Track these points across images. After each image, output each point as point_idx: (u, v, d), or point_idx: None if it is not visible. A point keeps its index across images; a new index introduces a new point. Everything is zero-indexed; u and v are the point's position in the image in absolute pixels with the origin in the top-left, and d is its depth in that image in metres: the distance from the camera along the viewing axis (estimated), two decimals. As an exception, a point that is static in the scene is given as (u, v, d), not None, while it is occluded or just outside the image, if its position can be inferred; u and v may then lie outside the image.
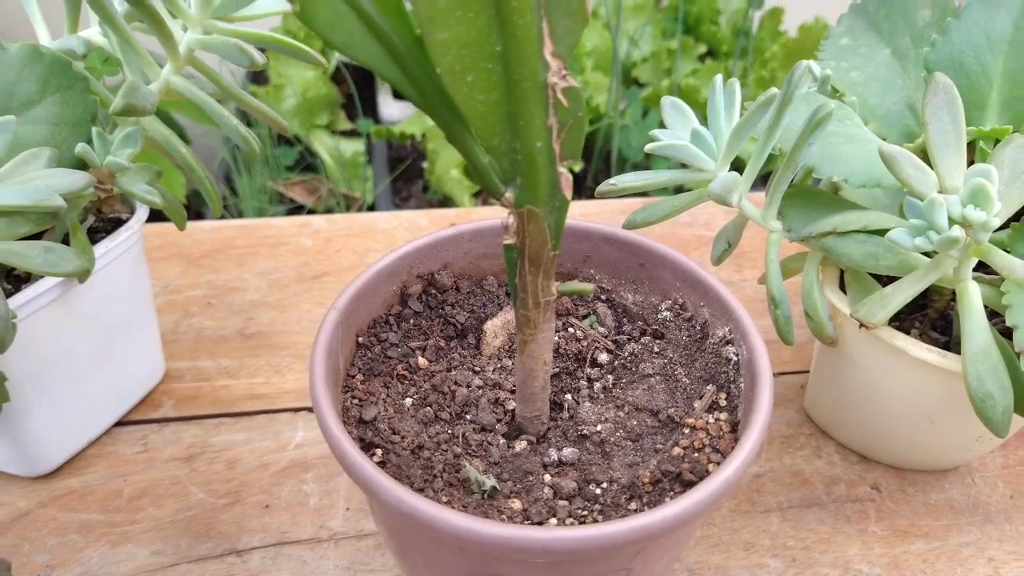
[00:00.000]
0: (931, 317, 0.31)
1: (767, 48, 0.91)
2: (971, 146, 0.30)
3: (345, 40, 0.19)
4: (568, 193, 0.21)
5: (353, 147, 0.92)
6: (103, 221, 0.33)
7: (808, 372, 0.36)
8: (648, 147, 0.28)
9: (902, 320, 0.30)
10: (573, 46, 0.19)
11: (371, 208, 0.87)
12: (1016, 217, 0.29)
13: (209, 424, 0.34)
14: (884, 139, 0.32)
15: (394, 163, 0.90)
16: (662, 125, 0.89)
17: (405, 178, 0.91)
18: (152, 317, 0.35)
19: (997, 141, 0.28)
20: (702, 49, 0.90)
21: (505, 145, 0.20)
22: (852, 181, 0.27)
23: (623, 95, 0.90)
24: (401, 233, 0.47)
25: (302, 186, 0.88)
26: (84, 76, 0.29)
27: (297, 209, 0.85)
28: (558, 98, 0.19)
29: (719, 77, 0.29)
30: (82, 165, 0.29)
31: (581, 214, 0.49)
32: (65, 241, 0.30)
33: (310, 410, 0.35)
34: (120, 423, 0.34)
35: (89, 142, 0.29)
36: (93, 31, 0.36)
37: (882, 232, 0.27)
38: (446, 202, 0.86)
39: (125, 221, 0.32)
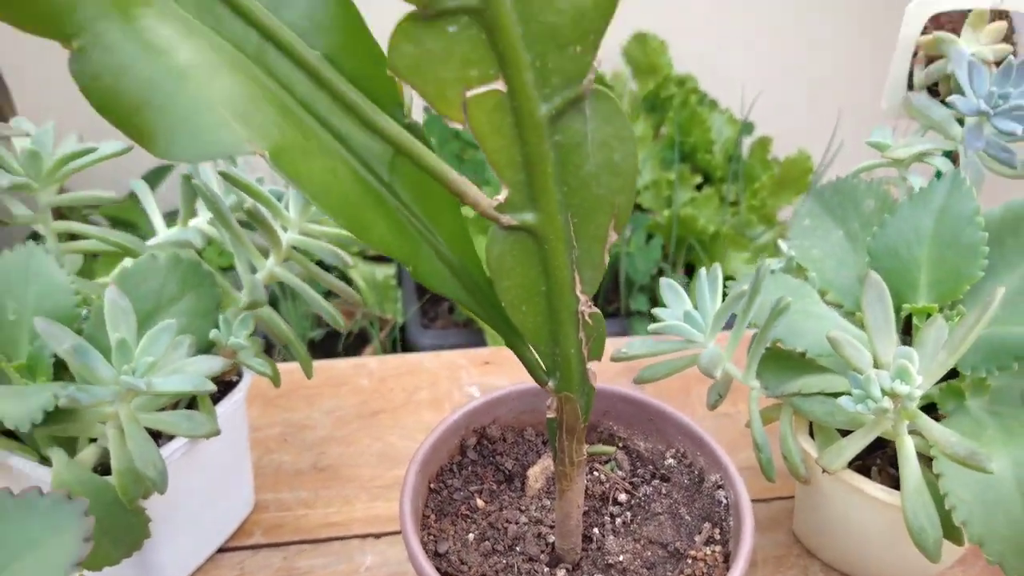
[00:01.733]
0: (889, 455, 0.38)
1: (757, 176, 1.01)
2: (908, 318, 0.37)
3: (438, 285, 0.27)
4: (594, 382, 0.29)
5: (384, 271, 1.01)
6: (217, 382, 0.41)
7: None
8: (651, 327, 0.36)
9: (865, 459, 0.37)
10: (596, 286, 0.27)
11: (403, 329, 0.95)
12: (950, 376, 0.36)
13: (292, 550, 0.41)
14: (840, 306, 0.40)
15: (422, 287, 0.99)
16: (664, 255, 0.98)
17: (433, 300, 1.00)
18: (248, 456, 0.42)
19: (929, 314, 0.36)
20: (698, 179, 1.00)
21: (548, 350, 0.28)
22: (810, 351, 0.35)
23: (629, 221, 0.99)
24: (442, 371, 0.54)
25: (339, 309, 0.96)
26: (211, 273, 0.38)
27: (335, 332, 0.93)
28: (586, 320, 0.27)
29: (703, 271, 0.37)
30: (210, 345, 0.37)
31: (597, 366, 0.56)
32: (190, 405, 0.38)
33: (377, 536, 0.42)
34: (221, 550, 0.41)
35: (216, 327, 0.37)
36: (201, 220, 0.45)
37: (838, 394, 0.34)
38: (469, 323, 0.94)
39: (232, 381, 0.40)
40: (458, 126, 0.23)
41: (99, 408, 0.32)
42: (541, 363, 0.29)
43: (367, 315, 0.94)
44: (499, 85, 0.22)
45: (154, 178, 1.07)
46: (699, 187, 1.00)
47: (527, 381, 0.30)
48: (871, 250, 0.38)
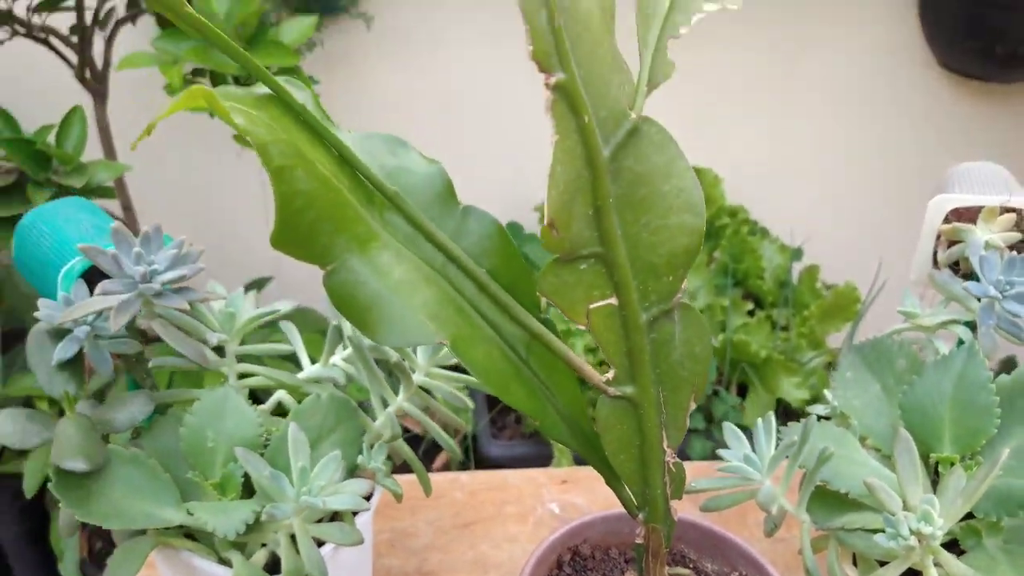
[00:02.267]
0: (923, 582, 0.44)
1: (807, 302, 1.08)
2: (937, 465, 0.44)
3: (557, 435, 0.35)
4: (675, 517, 0.37)
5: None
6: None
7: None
8: (718, 468, 0.43)
9: (903, 584, 0.43)
10: (679, 442, 0.35)
11: (474, 438, 1.03)
12: (971, 515, 0.42)
13: (406, 643, 0.48)
14: (879, 450, 0.47)
15: (492, 398, 1.08)
16: (719, 376, 1.05)
17: (502, 412, 1.08)
18: (370, 560, 0.50)
19: (952, 463, 0.43)
20: (749, 305, 1.08)
21: (640, 489, 0.36)
22: (852, 492, 0.42)
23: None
24: (526, 488, 0.62)
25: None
26: (356, 408, 0.47)
27: (414, 438, 1.02)
28: (670, 467, 0.35)
29: (760, 422, 0.45)
30: (355, 467, 0.46)
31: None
32: (332, 517, 0.46)
33: (477, 635, 0.49)
34: (347, 641, 0.48)
35: (360, 453, 0.45)
36: (337, 358, 0.55)
37: (876, 530, 0.41)
38: (535, 435, 1.02)
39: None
40: (581, 327, 0.32)
41: (279, 520, 0.40)
42: (633, 499, 0.36)
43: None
44: (613, 300, 0.32)
45: (256, 286, 1.19)
46: (751, 312, 1.08)
47: (604, 504, 0.38)
48: (903, 405, 0.46)
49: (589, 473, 0.67)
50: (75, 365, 0.43)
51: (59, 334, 0.43)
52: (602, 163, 0.28)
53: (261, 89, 0.32)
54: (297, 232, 0.29)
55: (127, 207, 1.02)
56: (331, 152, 0.32)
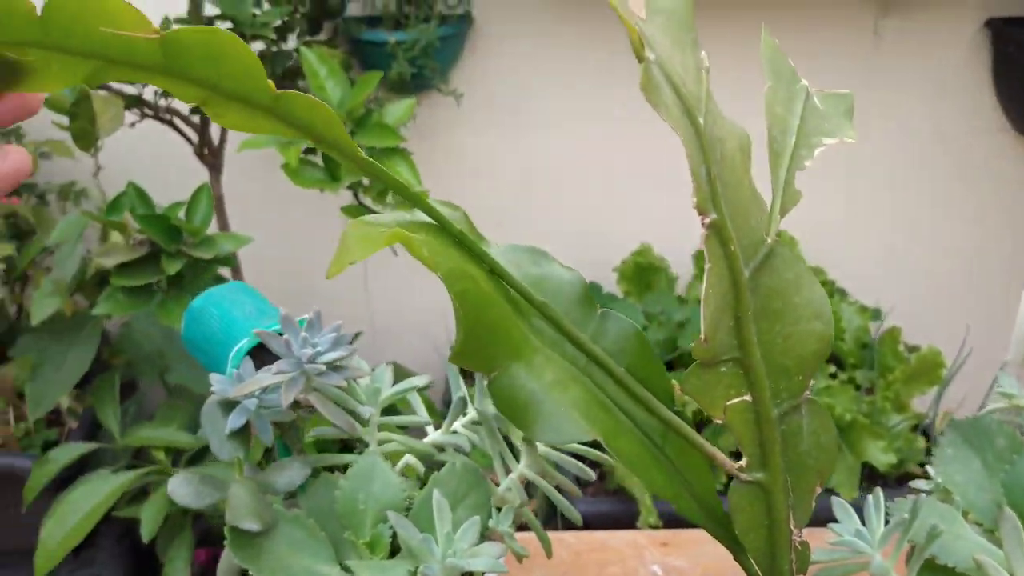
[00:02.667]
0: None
1: (889, 365, 1.09)
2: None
3: (691, 515, 0.39)
4: (796, 591, 0.40)
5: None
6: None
7: None
8: (830, 541, 0.46)
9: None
10: (805, 523, 0.38)
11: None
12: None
13: None
14: (981, 525, 0.49)
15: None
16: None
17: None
18: (491, 619, 0.54)
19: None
20: (831, 368, 1.09)
21: (767, 564, 0.39)
22: (959, 567, 0.44)
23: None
24: (627, 550, 0.65)
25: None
26: (483, 476, 0.51)
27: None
28: (796, 546, 0.38)
29: (870, 498, 0.47)
30: (484, 530, 0.50)
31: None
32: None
33: None
34: None
35: (489, 517, 0.49)
36: (458, 424, 0.59)
37: (985, 606, 0.43)
38: (619, 491, 1.04)
39: (486, 557, 0.53)
40: (719, 421, 0.36)
41: (425, 580, 0.45)
42: (760, 574, 0.40)
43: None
44: (747, 397, 0.35)
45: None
46: (833, 375, 1.09)
47: (705, 568, 0.41)
48: (1004, 483, 0.48)
49: (688, 536, 0.69)
50: (243, 433, 0.49)
51: (229, 406, 0.49)
52: (744, 282, 0.32)
53: (417, 215, 0.37)
54: (474, 347, 0.34)
55: (235, 269, 1.10)
56: (483, 264, 0.37)
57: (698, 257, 1.30)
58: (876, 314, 1.24)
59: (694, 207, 0.29)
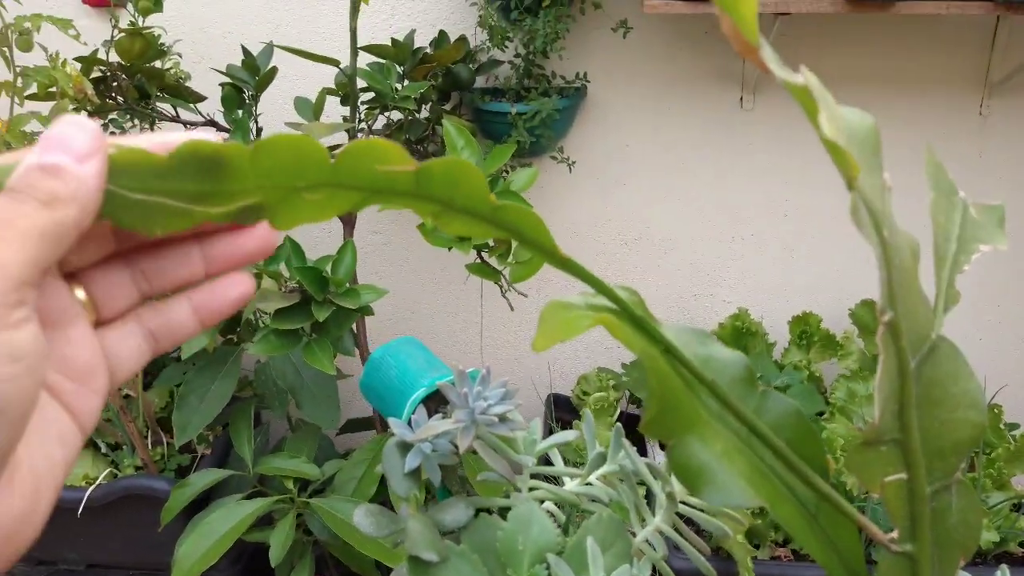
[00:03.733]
0: None
1: (992, 444, 1.09)
2: None
3: (833, 574, 0.43)
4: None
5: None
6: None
7: None
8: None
9: None
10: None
11: (654, 549, 1.09)
12: None
13: None
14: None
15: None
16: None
17: (679, 525, 1.14)
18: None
19: None
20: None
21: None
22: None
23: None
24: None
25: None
26: (625, 527, 0.56)
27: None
28: (936, 614, 0.42)
29: (997, 574, 0.50)
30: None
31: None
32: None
33: None
34: None
35: (629, 564, 0.54)
36: (593, 477, 0.64)
37: None
38: (718, 550, 1.07)
39: (622, 604, 0.57)
40: (875, 496, 0.40)
41: (580, 619, 0.49)
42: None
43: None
44: (903, 475, 0.40)
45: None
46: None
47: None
48: None
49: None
50: (418, 473, 0.55)
51: (406, 448, 0.55)
52: (909, 372, 0.37)
53: (599, 298, 0.43)
54: (660, 419, 0.39)
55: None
56: (659, 344, 0.42)
57: (794, 323, 1.32)
58: (977, 391, 1.24)
59: (878, 310, 0.34)
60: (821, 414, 1.14)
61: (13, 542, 0.24)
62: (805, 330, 1.29)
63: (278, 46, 1.03)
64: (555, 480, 0.64)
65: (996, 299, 1.41)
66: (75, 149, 0.24)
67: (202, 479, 1.07)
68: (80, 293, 0.27)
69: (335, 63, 1.00)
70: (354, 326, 1.17)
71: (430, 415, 0.55)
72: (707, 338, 0.45)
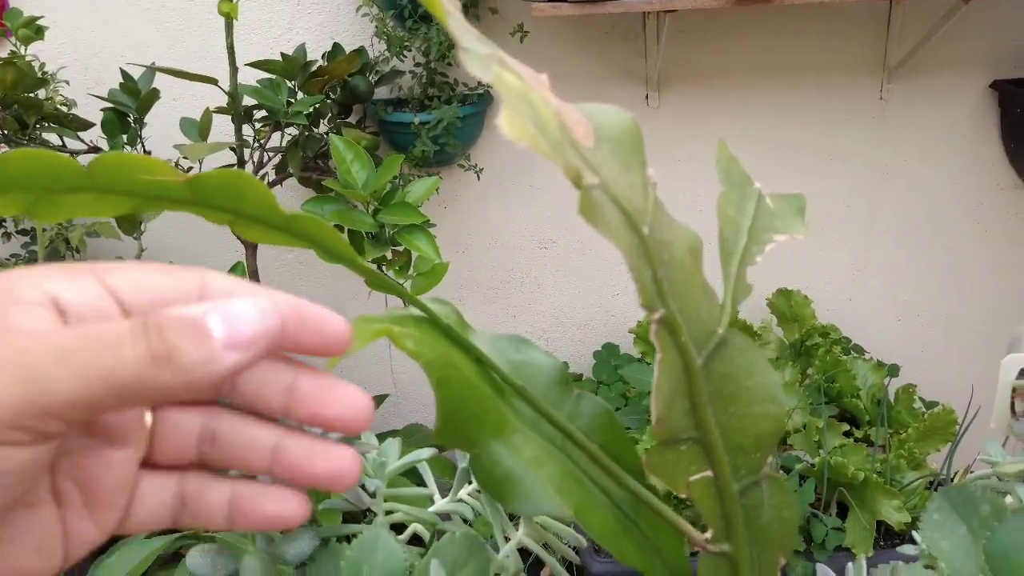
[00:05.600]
0: None
1: (904, 421, 1.09)
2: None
3: (663, 583, 0.42)
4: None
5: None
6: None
7: None
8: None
9: None
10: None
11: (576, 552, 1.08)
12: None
13: None
14: (967, 593, 0.50)
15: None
16: (817, 496, 1.07)
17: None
18: None
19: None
20: (845, 426, 1.10)
21: (737, 632, 0.41)
22: (939, 636, 0.46)
23: (782, 462, 1.10)
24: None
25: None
26: (484, 543, 0.54)
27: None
28: (764, 614, 0.41)
29: (850, 565, 0.49)
30: (484, 598, 0.53)
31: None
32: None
33: None
34: None
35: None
36: (464, 493, 0.63)
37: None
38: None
39: (489, 622, 0.55)
40: (683, 495, 0.39)
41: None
42: (731, 640, 0.42)
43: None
44: (708, 473, 0.38)
45: (377, 402, 1.30)
46: (847, 433, 1.10)
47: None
48: (987, 551, 0.49)
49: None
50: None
51: (248, 479, 0.53)
52: (696, 369, 0.36)
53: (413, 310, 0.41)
54: (453, 428, 0.37)
55: None
56: (470, 353, 0.41)
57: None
58: (893, 370, 1.25)
59: (640, 305, 0.33)
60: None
61: None
62: (724, 323, 1.28)
63: (155, 68, 1.01)
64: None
65: (906, 276, 1.42)
66: (237, 333, 0.22)
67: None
68: (148, 418, 0.25)
69: (212, 81, 0.98)
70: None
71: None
72: (524, 344, 0.43)
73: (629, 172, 0.34)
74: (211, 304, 0.22)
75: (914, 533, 0.57)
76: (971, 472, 0.71)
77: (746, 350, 0.37)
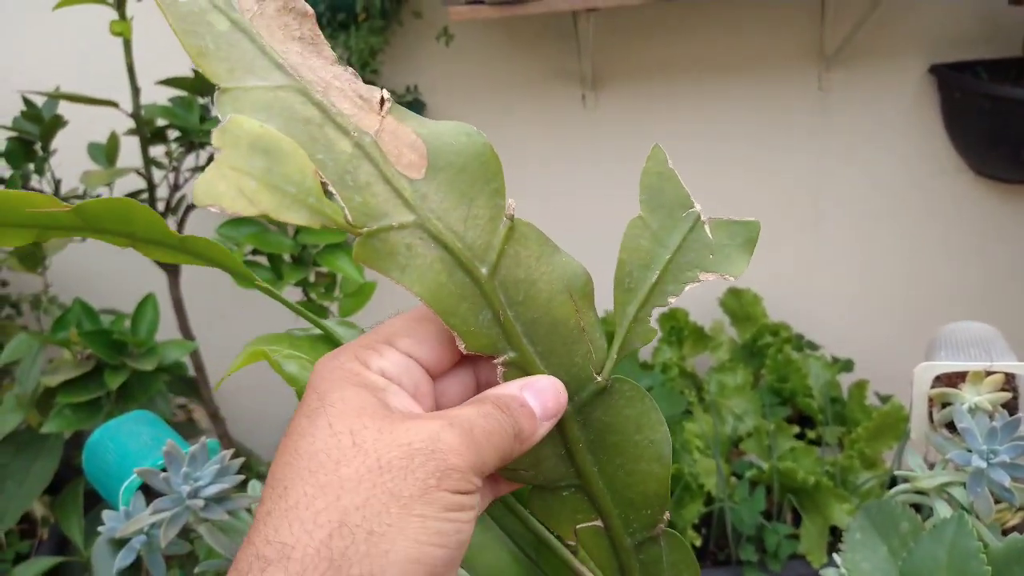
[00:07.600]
0: None
1: (858, 419, 1.07)
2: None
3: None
4: None
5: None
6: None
7: None
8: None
9: None
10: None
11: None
12: None
13: None
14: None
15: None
16: (769, 503, 1.04)
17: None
18: None
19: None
20: (796, 429, 1.07)
21: None
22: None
23: (734, 468, 1.07)
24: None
25: None
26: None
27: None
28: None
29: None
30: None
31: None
32: None
33: None
34: None
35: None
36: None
37: None
38: None
39: None
40: (571, 543, 0.35)
41: None
42: None
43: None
44: (598, 523, 0.35)
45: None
46: (799, 435, 1.07)
47: None
48: (903, 571, 0.46)
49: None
50: (135, 570, 0.48)
51: (120, 543, 0.48)
52: (568, 415, 0.32)
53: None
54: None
55: (214, 415, 1.10)
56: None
57: (663, 320, 1.29)
58: (847, 365, 1.22)
59: (465, 351, 0.29)
60: (689, 412, 1.11)
61: None
62: (674, 326, 1.26)
63: (54, 94, 0.95)
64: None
65: (857, 266, 1.40)
66: (547, 408, 0.30)
67: (31, 570, 0.98)
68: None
69: (112, 104, 0.93)
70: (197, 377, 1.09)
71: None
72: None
73: (469, 204, 0.30)
74: (523, 383, 0.30)
75: (835, 555, 0.54)
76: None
77: (635, 400, 0.33)
